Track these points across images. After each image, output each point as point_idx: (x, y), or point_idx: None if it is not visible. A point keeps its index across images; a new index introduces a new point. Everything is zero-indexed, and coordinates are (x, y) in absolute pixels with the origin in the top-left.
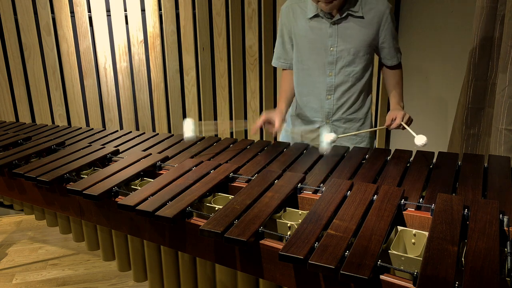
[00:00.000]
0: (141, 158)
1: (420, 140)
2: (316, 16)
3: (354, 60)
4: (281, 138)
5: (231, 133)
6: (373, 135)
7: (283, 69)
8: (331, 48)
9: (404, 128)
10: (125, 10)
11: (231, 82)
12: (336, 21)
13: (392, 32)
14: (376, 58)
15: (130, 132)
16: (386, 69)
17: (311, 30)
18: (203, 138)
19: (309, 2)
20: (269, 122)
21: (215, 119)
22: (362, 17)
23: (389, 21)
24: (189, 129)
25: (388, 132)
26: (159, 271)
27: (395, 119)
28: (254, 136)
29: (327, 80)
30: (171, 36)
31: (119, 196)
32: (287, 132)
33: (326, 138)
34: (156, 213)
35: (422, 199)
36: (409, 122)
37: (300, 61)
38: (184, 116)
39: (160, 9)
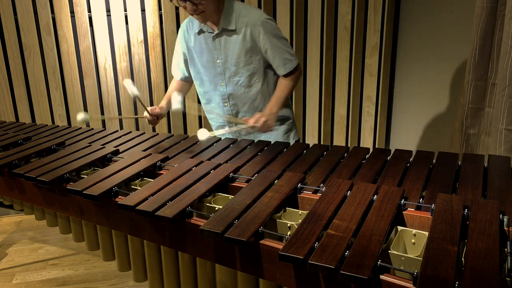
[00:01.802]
0: (141, 158)
1: (202, 134)
2: (201, 31)
3: (238, 70)
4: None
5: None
6: (292, 127)
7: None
8: (217, 61)
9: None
10: (125, 10)
11: None
12: (216, 35)
13: (271, 43)
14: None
15: (130, 132)
16: (282, 78)
17: (200, 45)
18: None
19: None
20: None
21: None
22: (234, 30)
23: (263, 32)
24: (204, 134)
25: (388, 132)
26: (159, 271)
27: (256, 120)
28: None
29: (221, 90)
30: (171, 36)
31: (119, 196)
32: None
33: (201, 135)
34: (156, 213)
35: (422, 199)
36: (264, 128)
37: (196, 73)
38: (184, 116)
39: (160, 9)
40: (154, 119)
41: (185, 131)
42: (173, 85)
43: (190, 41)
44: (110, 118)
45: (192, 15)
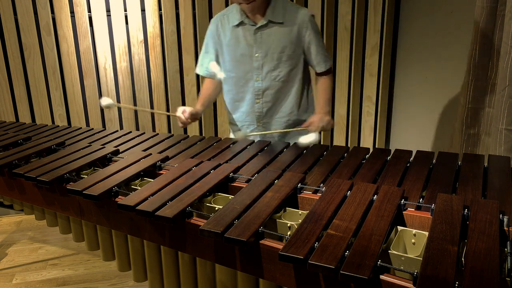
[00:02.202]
0: (141, 158)
1: (306, 138)
2: (241, 24)
3: (278, 65)
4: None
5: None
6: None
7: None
8: (256, 54)
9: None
10: (125, 10)
11: None
12: (259, 28)
13: (316, 40)
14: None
15: (130, 132)
16: (319, 77)
17: (237, 38)
18: (203, 138)
19: (235, 11)
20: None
21: (215, 119)
22: (282, 23)
23: (310, 28)
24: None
25: (388, 132)
26: (159, 271)
27: (312, 123)
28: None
29: (255, 85)
30: (171, 36)
31: (119, 196)
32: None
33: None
34: (156, 213)
35: (422, 199)
36: (328, 126)
37: (229, 70)
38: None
39: (160, 9)
40: (188, 121)
41: (185, 131)
42: (204, 88)
43: (223, 36)
44: (140, 109)
45: (240, 4)
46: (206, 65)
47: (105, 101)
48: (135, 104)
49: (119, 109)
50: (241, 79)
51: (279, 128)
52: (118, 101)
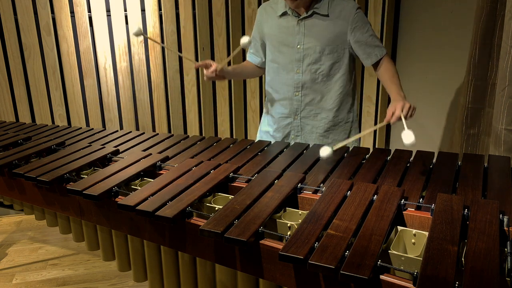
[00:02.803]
0: (141, 158)
1: (408, 138)
2: (284, 14)
3: (320, 57)
4: (258, 138)
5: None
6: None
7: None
8: (298, 46)
9: (409, 115)
10: (125, 10)
11: (231, 82)
12: (303, 19)
13: (364, 31)
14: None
15: (130, 132)
16: (377, 70)
17: (280, 28)
18: (203, 138)
19: (280, 1)
20: (208, 66)
21: (215, 119)
22: (327, 15)
23: (358, 20)
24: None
25: (388, 132)
26: (159, 271)
27: (394, 112)
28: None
29: (295, 77)
30: (171, 36)
31: (119, 196)
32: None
33: (323, 152)
34: (156, 213)
35: (422, 199)
36: (411, 111)
37: (271, 60)
38: (184, 116)
39: (160, 9)
40: (213, 74)
41: (185, 131)
42: (243, 64)
43: (266, 26)
44: (169, 49)
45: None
46: (253, 52)
47: (135, 29)
48: (135, 104)
49: (120, 109)
50: (282, 70)
51: (316, 125)
52: (118, 100)
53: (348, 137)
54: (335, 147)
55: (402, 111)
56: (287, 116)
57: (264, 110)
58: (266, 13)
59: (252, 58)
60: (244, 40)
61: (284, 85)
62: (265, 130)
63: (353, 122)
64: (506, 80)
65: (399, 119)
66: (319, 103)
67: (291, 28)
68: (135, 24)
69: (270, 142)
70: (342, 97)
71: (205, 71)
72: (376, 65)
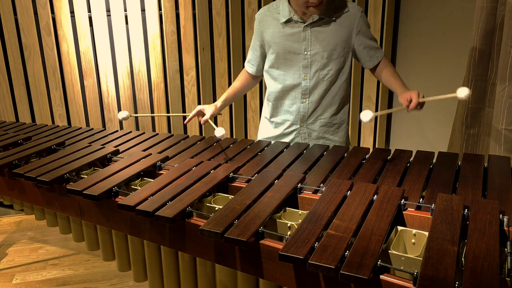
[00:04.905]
0: (141, 158)
1: (219, 132)
2: (289, 21)
3: (328, 63)
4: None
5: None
6: (347, 140)
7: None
8: (305, 52)
9: (423, 104)
10: (125, 10)
11: (231, 82)
12: (309, 25)
13: (367, 34)
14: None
15: (130, 132)
16: (376, 70)
17: (284, 35)
18: (203, 138)
19: (282, 7)
20: (202, 114)
21: (215, 119)
22: (334, 20)
23: (362, 23)
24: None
25: (388, 132)
26: (159, 271)
27: (411, 100)
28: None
29: (303, 84)
30: (171, 36)
31: (119, 196)
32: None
33: (364, 117)
34: (156, 213)
35: (422, 199)
36: (421, 99)
37: (275, 68)
38: (184, 116)
39: (160, 9)
40: (207, 121)
41: (185, 131)
42: (238, 80)
43: (268, 34)
44: (156, 116)
45: (308, 7)
46: (252, 62)
47: (121, 114)
48: (135, 104)
49: (120, 109)
50: (288, 78)
51: (320, 130)
52: (118, 100)
53: (346, 136)
54: (377, 114)
55: (419, 97)
56: (292, 123)
57: (263, 115)
58: (266, 21)
59: (250, 68)
60: (220, 132)
61: (292, 92)
62: (266, 136)
63: (348, 120)
64: (506, 80)
65: (417, 106)
66: (324, 109)
67: (297, 34)
68: (136, 23)
69: (270, 142)
70: (343, 100)
71: (198, 118)
72: (375, 67)
